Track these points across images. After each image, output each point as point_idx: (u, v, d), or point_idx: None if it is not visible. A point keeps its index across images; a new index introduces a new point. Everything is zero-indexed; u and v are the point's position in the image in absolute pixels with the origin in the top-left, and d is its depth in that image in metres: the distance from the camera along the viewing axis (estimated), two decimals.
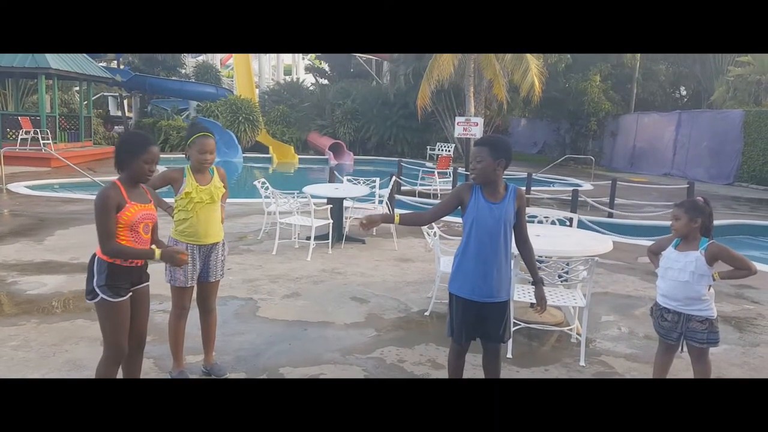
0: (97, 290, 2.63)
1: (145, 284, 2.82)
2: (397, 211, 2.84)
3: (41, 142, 15.15)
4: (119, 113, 27.53)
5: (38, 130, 15.57)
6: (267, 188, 7.13)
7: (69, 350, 3.74)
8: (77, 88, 21.85)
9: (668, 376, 3.32)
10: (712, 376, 3.73)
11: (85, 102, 19.45)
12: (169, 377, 3.37)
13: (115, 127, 24.17)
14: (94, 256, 2.69)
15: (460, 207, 2.88)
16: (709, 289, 3.03)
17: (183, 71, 27.59)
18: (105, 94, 28.65)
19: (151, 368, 3.43)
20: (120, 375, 2.81)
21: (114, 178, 2.73)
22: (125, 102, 27.02)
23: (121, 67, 24.75)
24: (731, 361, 4.02)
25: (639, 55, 21.46)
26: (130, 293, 2.73)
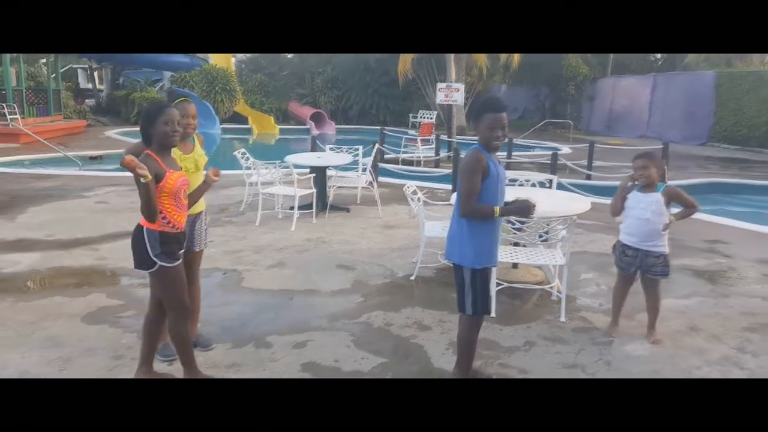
0: (155, 260, 2.72)
1: (182, 249, 2.95)
2: (492, 207, 2.75)
3: (8, 117, 14.66)
4: (90, 86, 26.72)
5: (4, 104, 15.05)
6: (248, 159, 7.05)
7: (47, 327, 3.69)
8: (44, 61, 21.10)
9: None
10: (685, 327, 3.88)
11: (53, 75, 18.80)
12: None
13: (86, 100, 23.46)
14: (140, 227, 2.75)
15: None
16: (664, 229, 3.48)
17: None
18: (74, 66, 27.73)
19: (135, 342, 3.42)
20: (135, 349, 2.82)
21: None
22: (95, 74, 26.20)
23: None
24: (703, 312, 4.16)
25: None
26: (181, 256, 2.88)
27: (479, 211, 2.72)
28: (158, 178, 2.66)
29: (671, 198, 3.50)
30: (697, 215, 3.95)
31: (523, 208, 2.77)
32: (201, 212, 3.43)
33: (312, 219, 6.70)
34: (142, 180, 2.56)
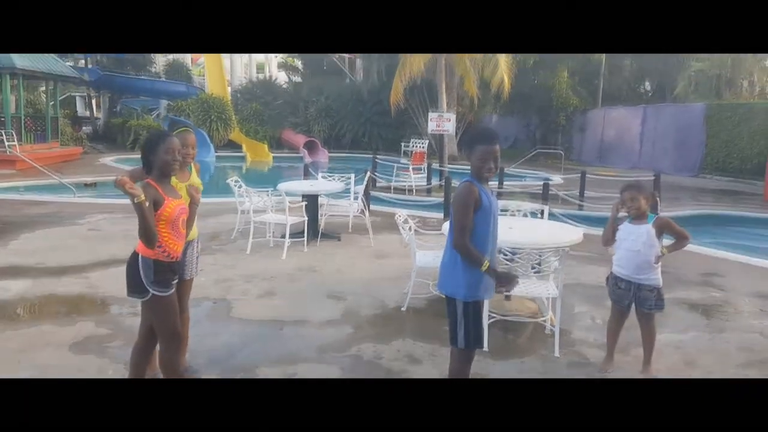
0: (149, 288, 2.73)
1: (176, 279, 2.95)
2: (484, 259, 2.70)
3: (6, 143, 14.67)
4: (87, 113, 26.89)
5: (2, 131, 15.07)
6: (240, 186, 7.05)
7: (35, 357, 3.64)
8: (43, 88, 21.23)
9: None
10: (681, 362, 3.84)
11: (52, 102, 18.89)
12: None
13: (84, 127, 23.54)
14: (135, 255, 2.74)
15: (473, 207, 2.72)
16: (656, 262, 3.44)
17: (153, 70, 27.01)
18: (72, 93, 27.94)
19: (121, 372, 3.34)
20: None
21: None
22: (93, 102, 26.38)
23: (89, 66, 24.09)
24: (699, 347, 4.12)
25: None
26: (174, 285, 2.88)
27: (471, 253, 2.68)
28: (157, 205, 2.67)
29: (662, 229, 3.48)
30: (691, 247, 3.95)
31: (506, 279, 2.72)
32: (193, 239, 3.44)
33: (303, 247, 6.67)
34: (135, 200, 2.55)
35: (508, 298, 4.74)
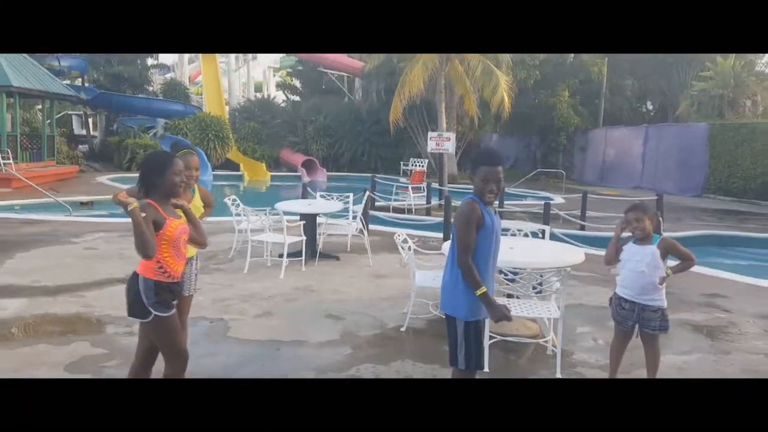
0: (151, 309, 2.69)
1: (176, 300, 2.91)
2: (482, 284, 2.65)
3: (1, 162, 14.65)
4: (84, 132, 26.95)
5: None
6: (238, 205, 7.01)
7: (31, 376, 3.54)
8: (40, 107, 21.31)
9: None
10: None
11: (48, 121, 18.94)
12: None
13: (80, 146, 23.55)
14: (135, 276, 2.72)
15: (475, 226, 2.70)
16: (661, 283, 3.37)
17: (150, 89, 27.14)
18: (69, 112, 28.01)
19: None
20: None
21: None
22: (90, 120, 26.46)
23: (86, 84, 24.20)
24: (703, 369, 4.05)
25: (606, 69, 22.03)
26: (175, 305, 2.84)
27: (472, 273, 2.64)
28: (158, 225, 2.63)
29: (667, 250, 3.42)
30: (695, 268, 3.87)
31: (499, 312, 2.66)
32: (192, 257, 3.44)
33: (301, 267, 6.60)
34: (128, 208, 2.51)
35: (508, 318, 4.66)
